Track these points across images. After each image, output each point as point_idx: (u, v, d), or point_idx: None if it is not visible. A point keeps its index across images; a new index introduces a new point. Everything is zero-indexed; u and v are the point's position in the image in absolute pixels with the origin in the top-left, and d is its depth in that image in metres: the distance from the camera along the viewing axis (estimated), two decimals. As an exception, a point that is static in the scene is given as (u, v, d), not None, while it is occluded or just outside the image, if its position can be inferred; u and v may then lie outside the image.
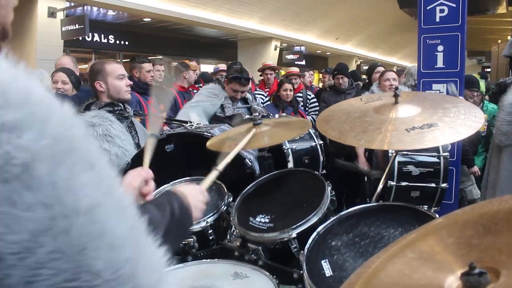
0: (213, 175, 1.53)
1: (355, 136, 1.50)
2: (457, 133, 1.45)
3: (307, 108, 5.82)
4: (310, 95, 6.02)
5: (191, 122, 2.77)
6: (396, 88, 1.64)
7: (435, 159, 3.06)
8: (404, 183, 3.03)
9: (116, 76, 2.66)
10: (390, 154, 3.16)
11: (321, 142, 3.18)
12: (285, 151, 2.96)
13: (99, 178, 0.56)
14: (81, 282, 0.51)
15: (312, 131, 3.13)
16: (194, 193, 1.27)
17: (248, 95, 4.13)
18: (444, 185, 3.01)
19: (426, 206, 1.65)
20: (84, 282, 0.51)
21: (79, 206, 0.52)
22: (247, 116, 3.34)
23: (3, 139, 0.48)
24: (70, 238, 0.50)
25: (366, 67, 26.23)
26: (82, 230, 0.51)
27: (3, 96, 0.49)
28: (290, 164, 2.92)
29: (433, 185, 3.02)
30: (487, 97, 5.75)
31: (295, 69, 6.81)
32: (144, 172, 1.42)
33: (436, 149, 3.04)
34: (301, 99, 5.82)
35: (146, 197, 1.37)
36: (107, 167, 0.59)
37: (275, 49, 16.92)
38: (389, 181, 3.00)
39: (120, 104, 2.70)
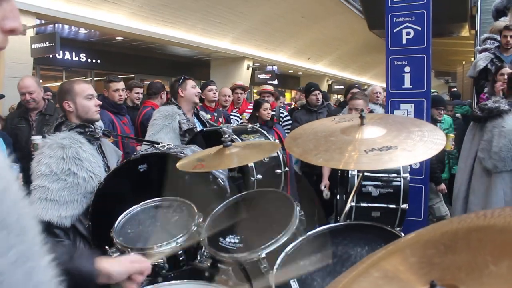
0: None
1: (316, 154, 1.53)
2: (413, 156, 1.48)
3: (280, 124, 5.88)
4: (283, 113, 6.10)
5: (162, 143, 2.75)
6: (362, 110, 1.67)
7: (395, 180, 3.08)
8: (364, 204, 3.05)
9: (85, 96, 2.64)
10: (350, 176, 3.21)
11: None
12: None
13: (7, 244, 0.51)
14: None
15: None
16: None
17: (203, 114, 4.09)
18: (404, 206, 3.04)
19: (389, 226, 1.69)
20: None
21: None
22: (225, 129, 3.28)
23: None
24: None
25: (338, 87, 26.42)
26: None
27: None
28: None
29: (393, 206, 3.05)
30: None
31: (269, 87, 6.88)
32: (146, 264, 1.47)
33: (396, 171, 3.07)
34: (274, 117, 5.87)
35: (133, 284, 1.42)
36: (26, 230, 0.54)
37: (248, 68, 17.08)
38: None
39: (91, 125, 2.68)
